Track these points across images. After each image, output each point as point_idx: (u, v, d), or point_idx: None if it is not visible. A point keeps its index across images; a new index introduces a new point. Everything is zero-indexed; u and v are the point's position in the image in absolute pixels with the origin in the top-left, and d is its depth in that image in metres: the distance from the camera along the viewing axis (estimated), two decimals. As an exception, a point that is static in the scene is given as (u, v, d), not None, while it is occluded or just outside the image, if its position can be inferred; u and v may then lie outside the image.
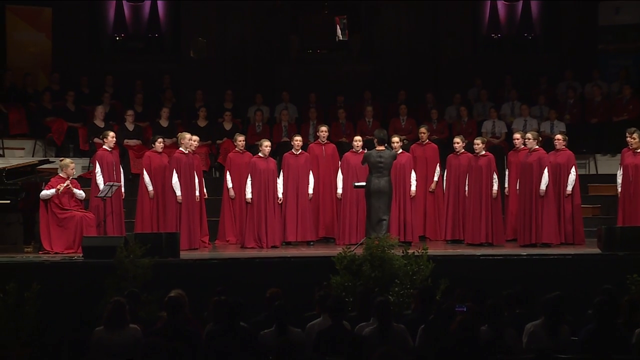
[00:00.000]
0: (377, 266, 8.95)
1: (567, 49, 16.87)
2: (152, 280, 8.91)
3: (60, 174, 11.20)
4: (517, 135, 12.33)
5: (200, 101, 15.26)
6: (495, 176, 11.73)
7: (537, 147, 11.55)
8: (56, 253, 10.71)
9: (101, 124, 13.89)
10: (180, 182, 11.54)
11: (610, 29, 16.34)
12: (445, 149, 12.96)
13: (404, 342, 6.69)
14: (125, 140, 13.73)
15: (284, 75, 17.00)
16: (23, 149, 14.53)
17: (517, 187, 11.72)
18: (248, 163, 12.01)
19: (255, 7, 16.91)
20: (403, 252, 9.12)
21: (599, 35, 16.49)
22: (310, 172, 12.10)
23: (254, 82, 16.61)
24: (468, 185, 11.83)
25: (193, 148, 11.87)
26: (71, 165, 11.29)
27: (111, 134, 11.86)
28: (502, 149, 13.83)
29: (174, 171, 11.54)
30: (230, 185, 12.32)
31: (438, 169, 12.55)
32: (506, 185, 12.23)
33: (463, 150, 12.16)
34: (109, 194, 11.07)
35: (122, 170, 11.93)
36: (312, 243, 12.03)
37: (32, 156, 14.14)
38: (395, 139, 12.10)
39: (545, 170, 11.33)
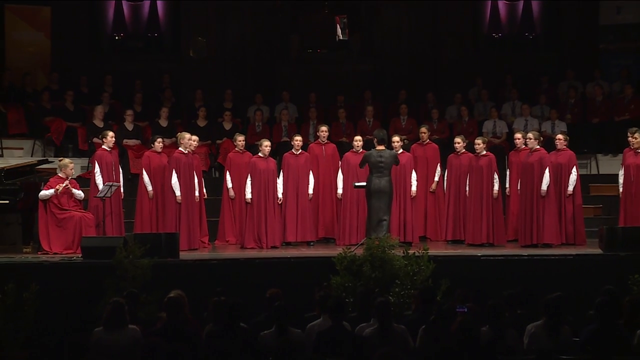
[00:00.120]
0: (378, 267, 8.93)
1: (569, 49, 16.84)
2: (151, 280, 8.90)
3: (59, 174, 11.17)
4: (518, 135, 12.30)
5: (200, 101, 15.23)
6: (496, 176, 11.71)
7: (538, 147, 11.52)
8: (55, 253, 10.68)
9: (100, 124, 13.86)
10: (179, 182, 11.51)
11: (611, 29, 16.32)
12: (446, 149, 12.94)
13: (405, 343, 6.67)
14: (125, 140, 13.71)
15: (284, 74, 16.97)
16: (22, 148, 14.51)
17: (518, 187, 11.69)
18: (248, 163, 11.98)
19: (255, 6, 16.88)
20: (403, 253, 9.10)
21: (600, 35, 16.47)
22: (311, 172, 12.07)
23: (254, 81, 16.59)
24: (469, 185, 11.80)
25: (192, 148, 11.84)
26: (70, 165, 11.26)
27: (110, 133, 11.83)
28: (503, 149, 13.81)
29: (174, 171, 11.50)
30: (230, 185, 12.28)
31: (439, 169, 12.53)
32: (507, 185, 12.20)
33: (464, 150, 12.13)
34: (108, 194, 11.04)
35: (121, 170, 11.91)
36: (312, 243, 12.00)
37: (31, 156, 14.12)
38: (396, 138, 12.08)
39: (547, 171, 11.30)
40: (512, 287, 7.71)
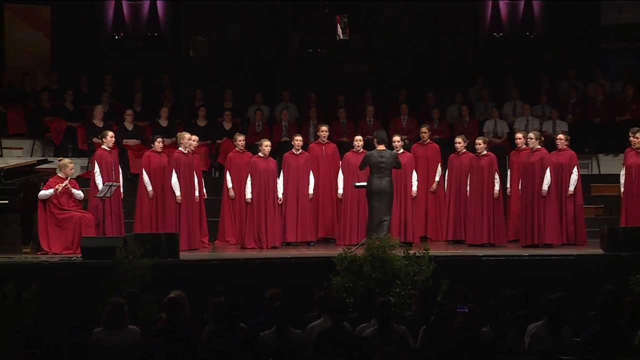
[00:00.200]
0: (378, 267, 8.91)
1: (570, 48, 16.82)
2: (151, 281, 8.88)
3: (59, 174, 11.15)
4: (519, 135, 12.29)
5: (200, 101, 15.22)
6: (497, 176, 11.70)
7: (539, 147, 11.50)
8: (55, 254, 10.66)
9: (100, 124, 13.85)
10: (179, 182, 11.49)
11: (612, 28, 16.30)
12: (447, 149, 12.92)
13: (405, 343, 6.66)
14: (125, 140, 13.69)
15: (284, 74, 16.96)
16: (21, 148, 14.51)
17: (519, 187, 11.67)
18: (248, 163, 11.96)
19: (255, 6, 16.87)
20: (404, 253, 9.09)
21: (601, 34, 16.44)
22: (311, 172, 12.05)
23: (254, 81, 16.58)
24: (469, 185, 11.78)
25: (192, 148, 11.82)
26: (70, 165, 11.24)
27: (110, 133, 11.81)
28: (503, 149, 13.79)
29: (173, 171, 11.48)
30: (230, 185, 12.26)
31: (439, 169, 12.51)
32: (508, 185, 12.17)
33: (464, 150, 12.11)
34: (108, 194, 11.02)
35: (121, 170, 11.89)
36: (312, 243, 11.98)
37: (31, 156, 14.12)
38: (397, 138, 12.06)
39: (548, 171, 11.28)
40: (513, 288, 7.67)
